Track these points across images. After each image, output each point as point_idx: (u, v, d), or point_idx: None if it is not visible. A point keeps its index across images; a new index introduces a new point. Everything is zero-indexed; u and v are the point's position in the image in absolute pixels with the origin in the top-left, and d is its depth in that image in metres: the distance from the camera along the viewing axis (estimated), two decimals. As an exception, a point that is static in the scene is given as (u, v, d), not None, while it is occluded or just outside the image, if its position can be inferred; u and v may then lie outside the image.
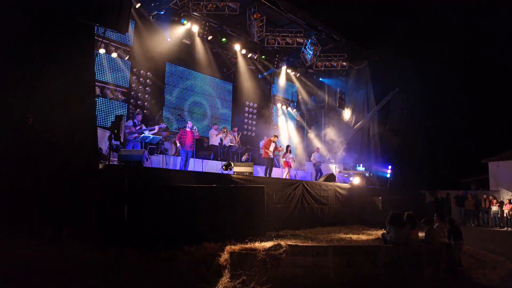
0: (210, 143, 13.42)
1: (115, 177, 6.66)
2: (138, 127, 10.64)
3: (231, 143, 13.76)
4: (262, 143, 14.72)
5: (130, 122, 10.62)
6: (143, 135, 10.45)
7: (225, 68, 16.68)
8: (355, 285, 5.41)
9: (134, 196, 6.36)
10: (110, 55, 12.48)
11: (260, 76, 17.91)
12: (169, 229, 6.42)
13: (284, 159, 13.41)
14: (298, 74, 18.61)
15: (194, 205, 6.88)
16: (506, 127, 22.31)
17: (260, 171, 13.53)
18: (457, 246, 6.88)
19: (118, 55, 12.76)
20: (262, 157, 12.37)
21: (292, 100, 19.93)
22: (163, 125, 11.48)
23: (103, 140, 9.62)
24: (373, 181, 15.28)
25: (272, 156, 11.92)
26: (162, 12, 12.75)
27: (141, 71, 13.80)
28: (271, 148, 11.88)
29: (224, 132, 14.05)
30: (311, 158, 14.16)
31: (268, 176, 11.66)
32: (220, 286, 4.94)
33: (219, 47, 15.21)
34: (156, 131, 10.77)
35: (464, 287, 6.12)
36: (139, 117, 10.98)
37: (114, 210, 6.32)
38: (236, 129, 15.04)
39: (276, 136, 12.30)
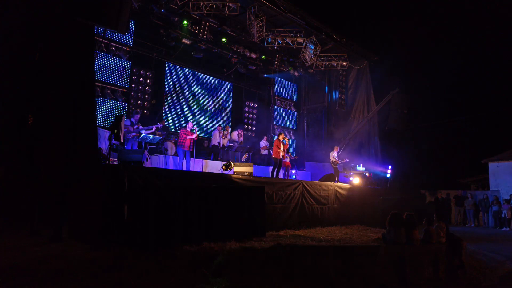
0: (212, 143, 13.40)
1: (115, 177, 6.65)
2: (136, 126, 10.64)
3: (231, 143, 13.75)
4: (262, 144, 14.74)
5: (128, 121, 10.62)
6: (142, 135, 10.44)
7: (225, 68, 16.67)
8: (355, 285, 5.41)
9: (134, 196, 6.36)
10: (110, 55, 12.48)
11: (260, 76, 17.90)
12: (169, 229, 6.42)
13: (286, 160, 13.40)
14: (298, 74, 18.60)
15: (194, 205, 6.87)
16: (506, 127, 22.32)
17: (260, 171, 13.54)
18: (456, 247, 6.85)
19: (118, 55, 12.75)
20: (272, 157, 12.29)
21: (292, 100, 19.93)
22: (160, 125, 11.45)
23: (103, 140, 9.62)
24: (373, 181, 15.26)
25: (282, 157, 11.83)
26: (162, 12, 12.74)
27: (141, 71, 13.80)
28: (282, 147, 11.78)
29: (227, 130, 14.06)
30: (330, 157, 13.92)
31: (276, 176, 11.60)
32: (220, 286, 4.93)
33: (219, 47, 15.21)
34: (153, 130, 10.76)
35: (464, 287, 6.12)
36: (137, 116, 10.98)
37: (114, 210, 6.32)
38: (241, 131, 14.98)
39: (281, 134, 12.23)
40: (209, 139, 14.61)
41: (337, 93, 18.45)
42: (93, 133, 7.38)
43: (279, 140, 11.79)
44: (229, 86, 17.43)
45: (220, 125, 14.12)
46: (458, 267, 6.59)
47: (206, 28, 13.63)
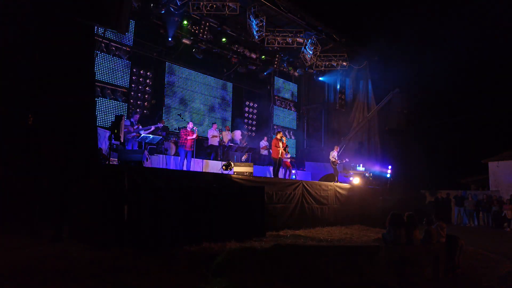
0: (209, 143, 13.42)
1: (115, 177, 6.65)
2: (136, 126, 10.64)
3: (231, 143, 13.75)
4: (262, 144, 14.74)
5: (128, 122, 10.63)
6: (142, 135, 10.44)
7: (225, 68, 16.68)
8: (355, 285, 5.41)
9: (134, 196, 6.36)
10: (110, 55, 12.48)
11: (260, 76, 17.90)
12: (169, 229, 6.42)
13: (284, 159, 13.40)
14: (298, 74, 18.60)
15: (193, 205, 6.88)
16: (506, 127, 22.33)
17: (260, 171, 13.53)
18: (455, 246, 6.85)
19: (118, 55, 12.75)
20: (271, 157, 12.30)
21: (292, 100, 19.93)
22: (160, 125, 11.44)
23: (103, 140, 9.62)
24: (373, 181, 15.28)
25: (281, 156, 11.81)
26: (162, 12, 12.74)
27: (141, 71, 13.81)
28: (280, 145, 11.76)
29: (227, 130, 14.04)
30: (330, 157, 13.99)
31: (276, 176, 11.60)
32: (220, 286, 4.93)
33: (219, 47, 15.21)
34: (151, 130, 10.76)
35: (463, 287, 6.12)
36: (137, 116, 10.98)
37: (114, 210, 6.32)
38: (244, 132, 14.97)
39: (279, 132, 12.20)
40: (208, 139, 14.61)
41: (337, 93, 18.45)
42: (93, 133, 7.38)
43: (277, 139, 11.77)
44: (229, 86, 17.43)
45: (215, 123, 14.04)
46: (456, 266, 6.60)
47: (206, 28, 13.64)
